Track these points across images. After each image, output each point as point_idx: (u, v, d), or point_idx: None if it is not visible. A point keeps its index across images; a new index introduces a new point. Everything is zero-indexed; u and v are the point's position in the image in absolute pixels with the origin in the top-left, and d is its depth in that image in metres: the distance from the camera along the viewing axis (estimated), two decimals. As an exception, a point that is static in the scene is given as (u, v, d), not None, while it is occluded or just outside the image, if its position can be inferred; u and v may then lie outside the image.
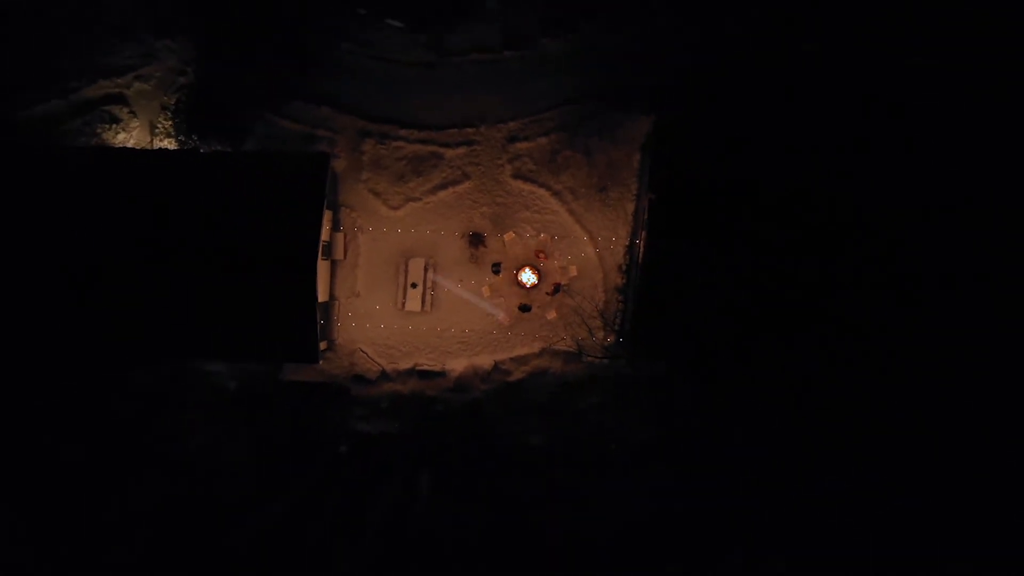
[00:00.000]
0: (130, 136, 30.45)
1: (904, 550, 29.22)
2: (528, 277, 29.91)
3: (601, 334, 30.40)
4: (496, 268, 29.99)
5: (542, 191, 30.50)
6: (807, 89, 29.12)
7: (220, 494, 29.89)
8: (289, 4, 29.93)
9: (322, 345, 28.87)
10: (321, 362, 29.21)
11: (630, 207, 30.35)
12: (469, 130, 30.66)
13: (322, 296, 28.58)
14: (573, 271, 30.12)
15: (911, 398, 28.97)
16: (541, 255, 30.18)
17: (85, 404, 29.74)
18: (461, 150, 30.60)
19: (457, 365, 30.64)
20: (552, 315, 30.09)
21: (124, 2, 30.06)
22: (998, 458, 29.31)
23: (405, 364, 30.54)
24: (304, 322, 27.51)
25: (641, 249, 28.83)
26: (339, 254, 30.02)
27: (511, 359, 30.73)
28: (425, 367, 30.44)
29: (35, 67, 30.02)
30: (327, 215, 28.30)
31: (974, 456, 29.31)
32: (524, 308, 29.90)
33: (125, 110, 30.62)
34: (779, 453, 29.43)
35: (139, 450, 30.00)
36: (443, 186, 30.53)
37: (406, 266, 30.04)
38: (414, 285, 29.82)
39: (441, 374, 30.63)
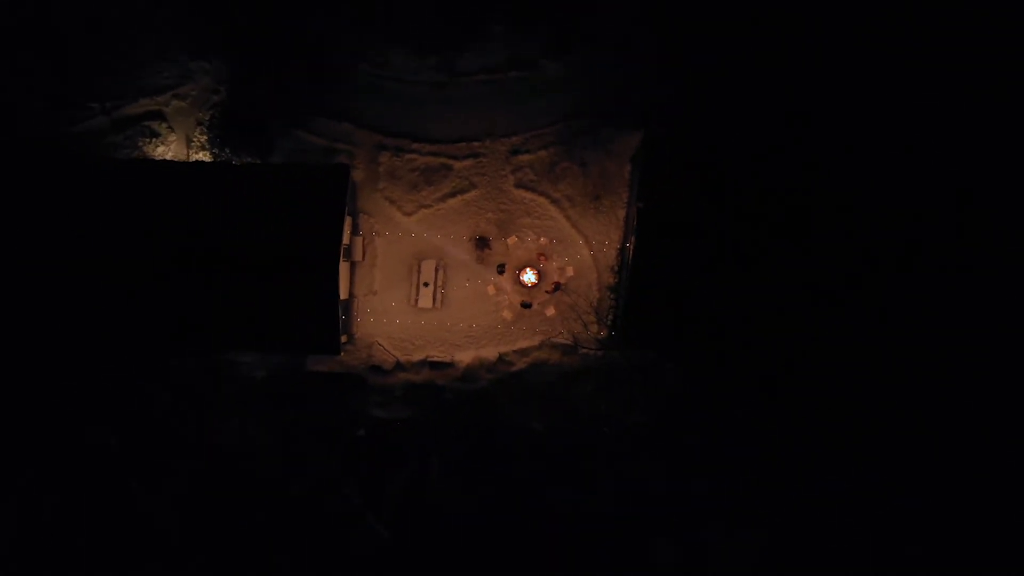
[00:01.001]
0: (168, 149, 31.79)
1: (881, 533, 29.54)
2: (529, 277, 31.05)
3: (595, 328, 31.33)
4: (500, 269, 31.21)
5: (542, 199, 31.48)
6: (778, 108, 29.85)
7: (248, 474, 30.89)
8: (313, 29, 31.19)
9: (343, 338, 30.09)
10: (342, 354, 30.51)
11: (621, 214, 31.27)
12: (476, 144, 31.65)
13: (343, 294, 29.81)
14: (570, 271, 31.21)
15: (875, 379, 29.37)
16: (541, 257, 31.27)
17: (128, 391, 31.09)
18: (469, 162, 31.63)
19: (465, 357, 31.71)
20: (551, 311, 31.20)
21: (163, 27, 31.41)
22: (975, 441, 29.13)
23: (418, 356, 31.72)
24: (327, 318, 28.80)
25: (631, 252, 29.61)
26: (358, 256, 31.23)
27: (514, 351, 31.70)
28: (436, 358, 31.68)
29: (81, 86, 31.51)
30: (347, 221, 29.65)
31: (941, 434, 29.30)
32: (526, 305, 31.14)
33: (164, 125, 31.90)
34: (758, 435, 30.01)
35: (175, 434, 31.11)
36: (452, 194, 31.53)
37: (419, 267, 31.25)
38: (426, 284, 31.01)
39: (450, 365, 31.68)
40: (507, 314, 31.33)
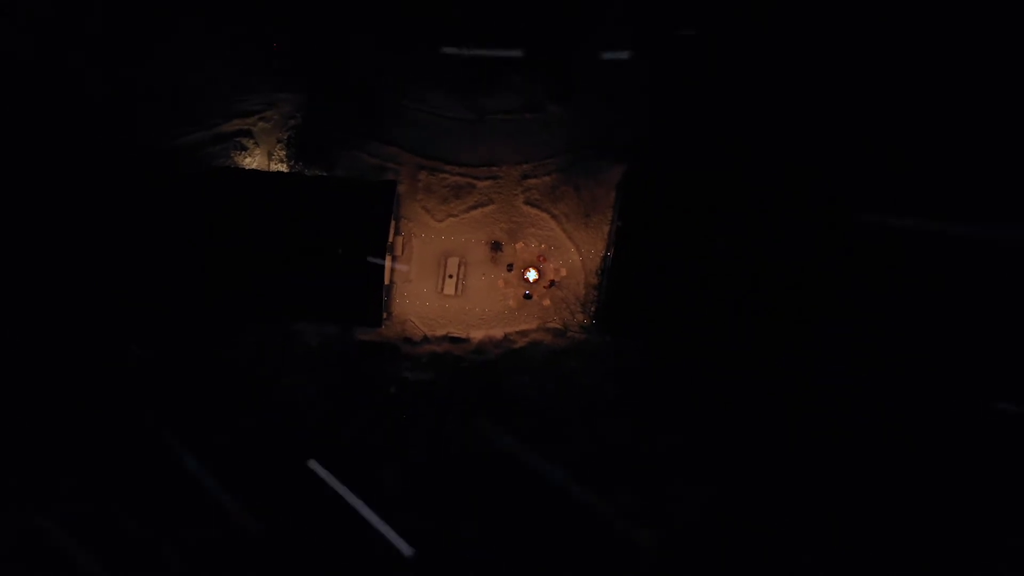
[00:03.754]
0: (254, 161, 37.20)
1: (818, 490, 33.02)
2: (531, 275, 35.53)
3: (581, 317, 35.59)
4: (510, 267, 35.96)
5: (544, 214, 36.01)
6: (735, 151, 34.41)
7: (303, 423, 35.89)
8: (368, 72, 36.60)
9: (384, 315, 35.13)
10: (382, 327, 35.59)
11: (605, 229, 35.60)
12: (495, 168, 36.28)
13: (386, 280, 34.78)
14: (563, 272, 35.72)
15: (805, 356, 33.38)
16: (541, 259, 35.74)
17: (215, 352, 36.47)
18: (488, 182, 36.27)
19: (478, 334, 36.20)
20: (547, 302, 35.76)
21: (253, 66, 37.01)
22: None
23: (440, 332, 36.37)
24: (373, 298, 33.94)
25: (611, 259, 33.74)
26: (399, 252, 36.12)
27: (516, 332, 35.98)
28: (455, 334, 36.31)
29: (189, 109, 37.12)
30: (392, 224, 34.63)
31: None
32: (527, 296, 35.85)
33: (251, 141, 37.17)
34: (711, 400, 34.38)
35: (246, 388, 36.22)
36: (474, 207, 36.14)
37: (445, 262, 35.97)
38: (450, 276, 35.76)
39: (466, 340, 36.25)
40: (512, 303, 36.00)
